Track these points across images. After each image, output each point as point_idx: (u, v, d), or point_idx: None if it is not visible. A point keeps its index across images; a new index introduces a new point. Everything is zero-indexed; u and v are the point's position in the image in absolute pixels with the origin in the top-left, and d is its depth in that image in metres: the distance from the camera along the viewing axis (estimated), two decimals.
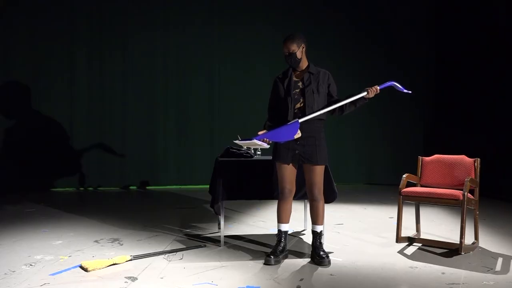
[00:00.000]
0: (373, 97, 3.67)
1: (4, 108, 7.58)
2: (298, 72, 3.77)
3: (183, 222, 5.15)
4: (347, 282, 3.27)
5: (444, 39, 8.33)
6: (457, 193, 3.98)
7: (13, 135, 7.57)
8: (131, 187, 8.00)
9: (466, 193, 3.91)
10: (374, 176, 8.56)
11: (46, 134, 7.72)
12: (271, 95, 3.85)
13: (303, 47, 3.70)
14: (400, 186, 4.24)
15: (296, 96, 3.67)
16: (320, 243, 3.76)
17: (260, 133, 3.67)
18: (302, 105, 3.66)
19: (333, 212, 5.65)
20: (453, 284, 3.22)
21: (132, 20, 7.97)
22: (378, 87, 3.68)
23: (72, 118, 7.83)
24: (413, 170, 4.56)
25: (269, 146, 3.63)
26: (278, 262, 3.66)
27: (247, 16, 8.23)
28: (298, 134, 3.56)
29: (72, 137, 7.82)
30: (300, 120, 3.57)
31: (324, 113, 3.68)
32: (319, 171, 3.70)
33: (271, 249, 3.81)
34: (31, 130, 7.64)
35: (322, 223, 3.78)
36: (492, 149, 6.99)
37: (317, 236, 3.76)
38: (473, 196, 4.17)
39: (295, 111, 3.66)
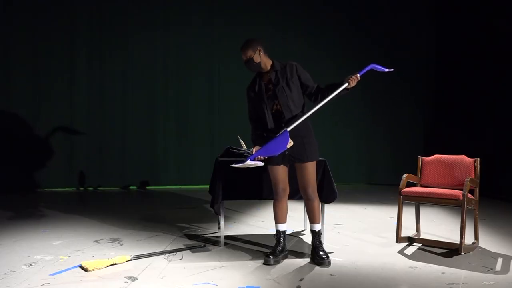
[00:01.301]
0: (355, 85, 3.56)
1: (4, 108, 7.58)
2: (265, 74, 3.74)
3: (183, 222, 5.14)
4: (347, 282, 3.27)
5: (444, 40, 8.32)
6: (457, 193, 3.98)
7: (13, 135, 7.57)
8: (131, 187, 7.99)
9: (466, 193, 3.91)
10: (374, 176, 8.55)
11: (46, 134, 7.72)
12: (248, 106, 3.83)
13: (260, 50, 3.69)
14: (400, 186, 4.24)
15: (269, 100, 3.65)
16: (320, 242, 3.75)
17: (253, 150, 3.66)
18: (278, 106, 3.63)
19: (333, 212, 5.65)
20: (453, 284, 3.22)
21: (132, 20, 7.96)
22: (359, 74, 3.58)
23: (72, 118, 7.82)
24: (413, 170, 4.56)
25: (263, 164, 3.59)
26: (277, 262, 3.66)
27: (247, 16, 8.21)
28: (290, 143, 3.50)
29: (72, 137, 7.82)
30: (289, 129, 3.50)
31: (307, 107, 3.62)
32: (311, 169, 3.67)
33: (270, 249, 3.81)
34: (31, 130, 7.64)
35: (319, 222, 3.78)
36: (492, 149, 6.98)
37: (315, 235, 3.75)
38: (473, 196, 4.17)
39: (273, 111, 3.63)
